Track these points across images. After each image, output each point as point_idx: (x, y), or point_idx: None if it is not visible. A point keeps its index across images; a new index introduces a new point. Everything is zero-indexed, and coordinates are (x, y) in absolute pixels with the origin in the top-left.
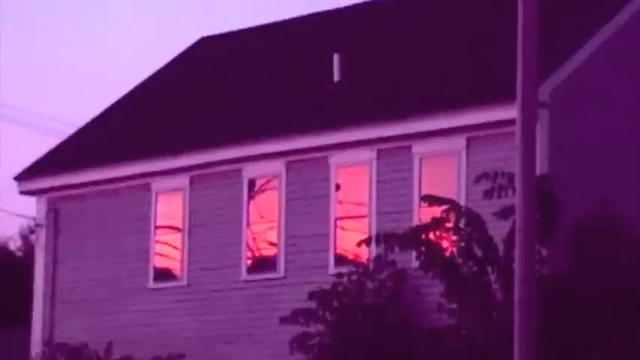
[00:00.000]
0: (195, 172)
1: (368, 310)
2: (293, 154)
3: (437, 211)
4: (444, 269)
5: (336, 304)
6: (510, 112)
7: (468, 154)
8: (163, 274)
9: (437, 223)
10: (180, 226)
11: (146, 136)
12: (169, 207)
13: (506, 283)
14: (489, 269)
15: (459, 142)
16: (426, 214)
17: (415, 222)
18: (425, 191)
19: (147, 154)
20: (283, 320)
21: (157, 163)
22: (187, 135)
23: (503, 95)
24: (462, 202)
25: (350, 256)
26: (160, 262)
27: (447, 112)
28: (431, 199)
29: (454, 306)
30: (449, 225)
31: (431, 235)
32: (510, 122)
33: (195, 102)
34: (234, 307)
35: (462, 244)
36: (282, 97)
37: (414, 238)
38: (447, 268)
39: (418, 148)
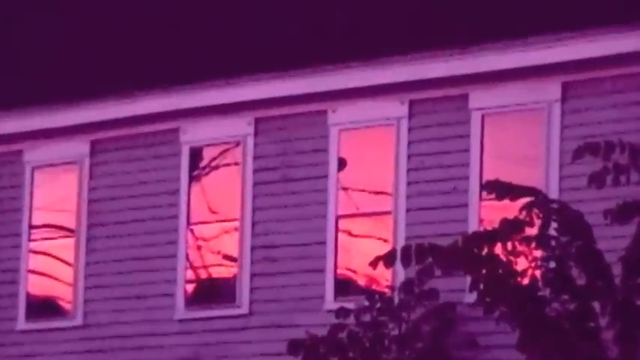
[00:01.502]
0: (99, 134)
1: None
2: (265, 106)
3: (509, 208)
4: (518, 306)
5: None
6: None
7: (563, 111)
8: (42, 308)
9: (509, 229)
10: (71, 225)
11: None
12: (53, 193)
13: (626, 329)
14: (598, 306)
15: (549, 88)
16: (490, 211)
17: (471, 225)
18: (489, 171)
19: (20, 105)
20: None
21: (31, 119)
22: (86, 77)
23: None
24: (552, 191)
25: (361, 282)
26: (36, 288)
27: (526, 43)
28: (498, 188)
29: None
30: (529, 232)
31: (498, 249)
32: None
33: (99, 27)
34: None
35: (552, 264)
36: (246, 14)
37: (468, 253)
38: (525, 305)
39: (478, 97)
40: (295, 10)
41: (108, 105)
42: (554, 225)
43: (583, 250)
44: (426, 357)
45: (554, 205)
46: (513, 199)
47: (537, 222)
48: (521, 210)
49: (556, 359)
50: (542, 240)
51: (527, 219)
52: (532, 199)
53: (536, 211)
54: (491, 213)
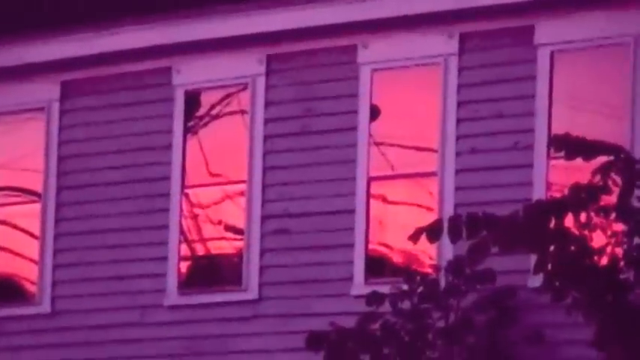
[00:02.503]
0: (71, 74)
1: None
2: (280, 39)
3: (584, 169)
4: (595, 292)
5: None
6: None
7: None
8: (3, 291)
9: (583, 198)
10: (37, 187)
11: None
12: (14, 147)
13: None
14: None
15: (635, 18)
16: (560, 173)
17: (537, 191)
18: (560, 122)
19: None
20: None
21: None
22: (55, 2)
23: None
24: (638, 151)
25: (398, 260)
26: None
27: None
28: (569, 144)
29: None
30: (607, 200)
31: (569, 222)
32: None
33: None
34: None
35: (637, 240)
36: None
37: (532, 226)
38: (604, 290)
39: (546, 30)
40: None
41: (83, 37)
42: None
43: None
44: (479, 355)
45: None
46: (587, 158)
47: (618, 188)
48: (595, 173)
49: None
50: (623, 210)
51: (604, 184)
52: (611, 158)
53: (616, 174)
54: (563, 175)
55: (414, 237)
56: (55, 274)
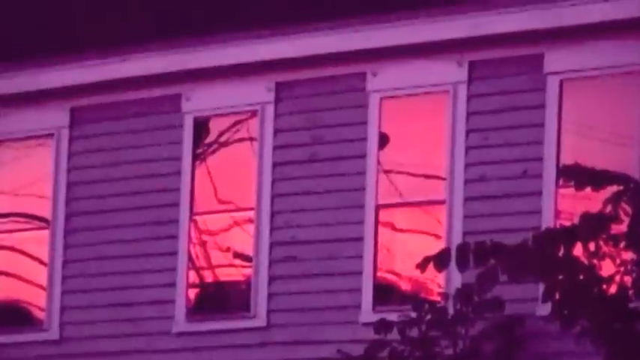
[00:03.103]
0: (80, 101)
1: None
2: (289, 67)
3: (593, 197)
4: (604, 320)
5: None
6: None
7: None
8: (8, 317)
9: (592, 226)
10: (45, 214)
11: None
12: (23, 173)
13: None
14: None
15: (637, 51)
16: (569, 201)
17: (546, 219)
18: (569, 151)
19: None
20: None
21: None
22: (66, 29)
23: None
24: None
25: (406, 288)
26: (1, 292)
27: None
28: (578, 174)
29: None
30: (617, 229)
31: (578, 250)
32: None
33: None
34: None
35: None
36: None
37: (541, 254)
38: (612, 319)
39: (556, 58)
40: None
41: (92, 64)
42: None
43: None
44: None
45: None
46: (596, 188)
47: (627, 217)
48: (606, 202)
49: None
50: (633, 239)
51: (614, 213)
52: (620, 187)
53: (624, 203)
54: (571, 204)
55: (422, 266)
56: (64, 300)
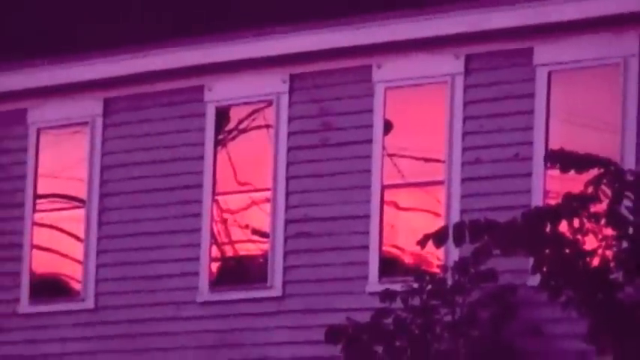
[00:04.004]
0: (113, 92)
1: None
2: (302, 60)
3: (579, 178)
4: (588, 290)
5: (381, 352)
6: None
7: None
8: (48, 288)
9: (574, 206)
10: (81, 194)
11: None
12: (61, 158)
13: None
14: None
15: (626, 41)
16: (557, 182)
17: (535, 198)
18: (557, 136)
19: (24, 59)
20: None
21: (36, 73)
22: (100, 26)
23: None
24: (629, 160)
25: (409, 261)
26: (41, 265)
27: None
28: (563, 159)
29: None
30: (599, 208)
31: (564, 227)
32: None
33: None
34: (184, 352)
35: (625, 244)
36: None
37: (529, 231)
38: (595, 289)
39: (544, 51)
40: None
41: (124, 58)
42: (628, 201)
43: None
44: (483, 346)
45: (629, 178)
46: (580, 171)
47: (609, 197)
48: (587, 184)
49: (631, 352)
50: (612, 217)
51: (594, 194)
52: (601, 170)
53: (606, 184)
54: (559, 184)
55: (422, 243)
56: (99, 273)
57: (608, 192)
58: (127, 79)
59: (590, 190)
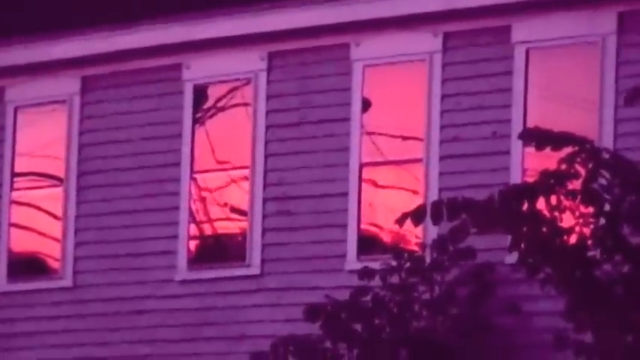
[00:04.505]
0: (90, 70)
1: (419, 344)
2: (280, 38)
3: (552, 157)
4: (565, 268)
5: (360, 329)
6: None
7: (619, 45)
8: (26, 267)
9: (554, 183)
10: (59, 173)
11: None
12: (39, 136)
13: None
14: None
15: (604, 19)
16: (535, 159)
17: (514, 176)
18: (535, 114)
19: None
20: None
21: (13, 52)
22: (77, 4)
23: None
24: (606, 137)
25: (387, 239)
26: (19, 244)
27: None
28: (538, 137)
29: (586, 337)
30: (575, 185)
31: (541, 204)
32: None
33: None
34: (162, 330)
35: (602, 221)
36: None
37: (506, 209)
38: (573, 266)
39: (522, 29)
40: None
41: (101, 36)
42: (603, 179)
43: (638, 205)
44: (461, 324)
45: (605, 155)
46: (555, 148)
47: (584, 174)
48: (560, 162)
49: (608, 328)
50: (588, 195)
51: (571, 171)
52: (576, 148)
53: (583, 162)
54: (537, 162)
55: (400, 221)
56: (76, 251)
57: (581, 172)
58: (104, 57)
59: (563, 167)
